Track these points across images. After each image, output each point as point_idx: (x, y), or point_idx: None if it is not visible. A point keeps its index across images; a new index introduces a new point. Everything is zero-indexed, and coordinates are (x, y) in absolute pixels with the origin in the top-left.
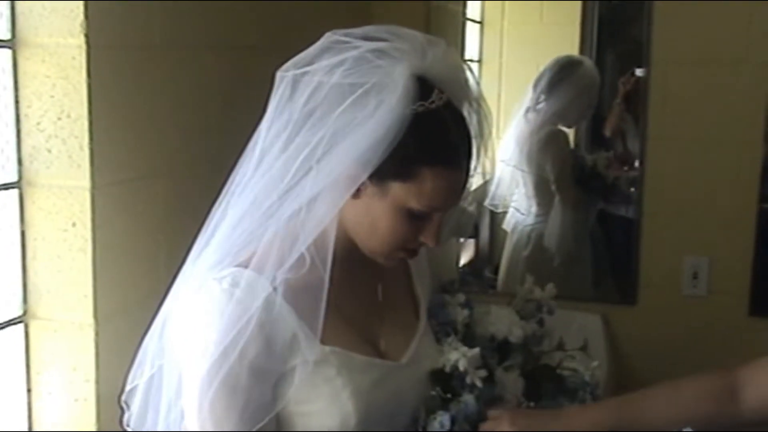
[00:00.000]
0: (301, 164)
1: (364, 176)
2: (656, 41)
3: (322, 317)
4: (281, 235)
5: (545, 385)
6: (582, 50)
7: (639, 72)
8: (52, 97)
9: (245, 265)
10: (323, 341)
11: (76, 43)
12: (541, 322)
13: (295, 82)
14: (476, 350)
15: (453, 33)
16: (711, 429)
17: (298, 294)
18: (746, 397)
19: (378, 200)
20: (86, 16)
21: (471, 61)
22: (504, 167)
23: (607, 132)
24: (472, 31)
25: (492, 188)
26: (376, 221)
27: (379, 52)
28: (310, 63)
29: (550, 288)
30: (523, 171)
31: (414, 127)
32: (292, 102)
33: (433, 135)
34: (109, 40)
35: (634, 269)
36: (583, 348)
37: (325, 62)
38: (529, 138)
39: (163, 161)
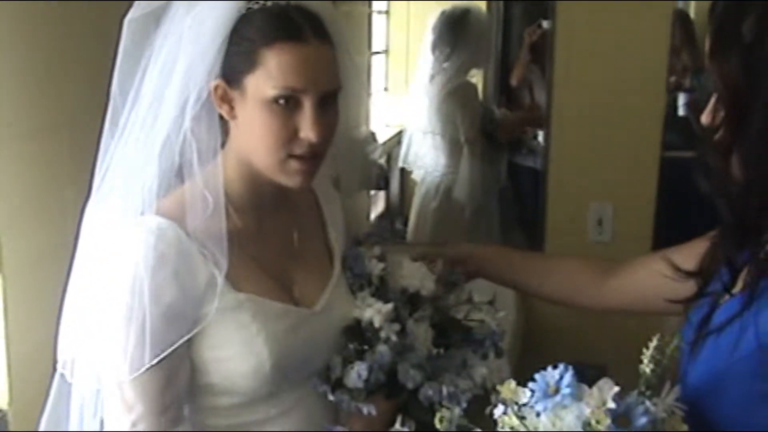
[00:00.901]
0: (162, 93)
1: (224, 85)
2: None
3: (226, 262)
4: (189, 182)
5: (453, 336)
6: (488, 2)
7: (545, 23)
8: None
9: (157, 212)
10: (238, 288)
11: None
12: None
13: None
14: (389, 306)
15: None
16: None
17: (209, 239)
18: (617, 277)
19: (244, 106)
20: None
21: (378, 12)
22: (413, 133)
23: (514, 82)
24: None
25: (403, 150)
26: (252, 131)
27: None
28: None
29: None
30: (432, 133)
31: (249, 20)
32: (141, 39)
33: (267, 19)
34: None
35: (541, 218)
36: (491, 302)
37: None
38: (438, 92)
39: (65, 112)
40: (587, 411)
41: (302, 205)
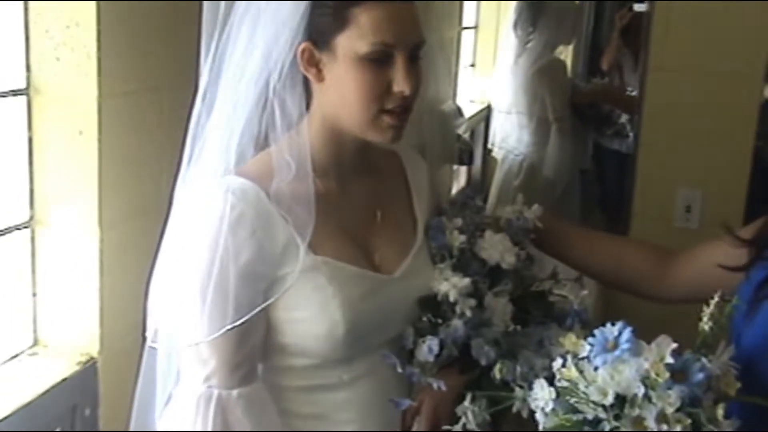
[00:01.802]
0: (256, 62)
1: (312, 47)
2: None
3: (312, 225)
4: (273, 147)
5: (534, 312)
6: None
7: (637, 7)
8: (61, 3)
9: (240, 174)
10: (316, 251)
11: None
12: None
13: None
14: (466, 280)
15: None
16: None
17: (292, 203)
18: (679, 267)
19: (335, 66)
20: None
21: None
22: (497, 114)
23: (604, 65)
24: None
25: (490, 131)
26: (343, 89)
27: None
28: None
29: (536, 208)
30: (517, 112)
31: None
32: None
33: None
34: None
35: (627, 200)
36: (578, 279)
37: None
38: (525, 70)
39: (168, 73)
40: (646, 365)
41: (387, 171)
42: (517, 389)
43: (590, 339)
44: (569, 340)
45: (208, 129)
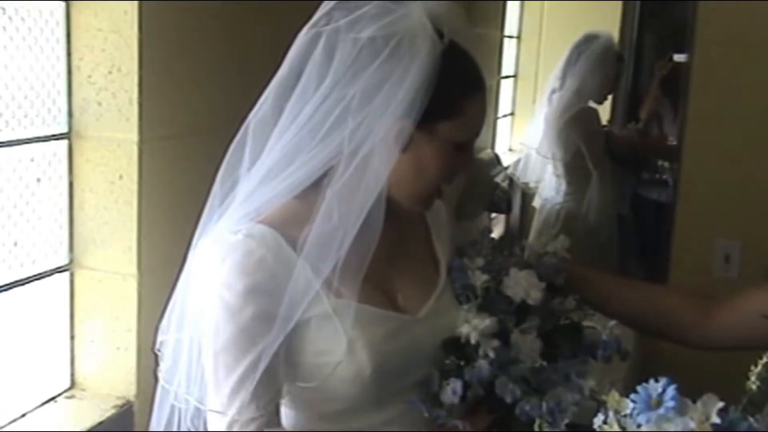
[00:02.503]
0: (336, 119)
1: (411, 126)
2: (700, 22)
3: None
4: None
5: (562, 346)
6: (623, 29)
7: (677, 57)
8: (104, 50)
9: (262, 221)
10: (339, 294)
11: None
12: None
13: (328, 40)
14: (487, 321)
15: (494, 8)
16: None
17: (313, 247)
18: (719, 315)
19: (426, 145)
20: None
21: (510, 37)
22: (533, 157)
23: (643, 114)
24: (512, 7)
25: (520, 167)
26: (425, 166)
27: (390, 2)
28: (326, 23)
29: (562, 239)
30: (553, 159)
31: (446, 70)
32: (325, 58)
33: (461, 65)
34: None
35: (665, 250)
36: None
37: (344, 19)
38: (557, 119)
39: (208, 117)
40: (691, 424)
41: (405, 212)
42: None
43: (633, 396)
44: (612, 397)
45: (248, 176)
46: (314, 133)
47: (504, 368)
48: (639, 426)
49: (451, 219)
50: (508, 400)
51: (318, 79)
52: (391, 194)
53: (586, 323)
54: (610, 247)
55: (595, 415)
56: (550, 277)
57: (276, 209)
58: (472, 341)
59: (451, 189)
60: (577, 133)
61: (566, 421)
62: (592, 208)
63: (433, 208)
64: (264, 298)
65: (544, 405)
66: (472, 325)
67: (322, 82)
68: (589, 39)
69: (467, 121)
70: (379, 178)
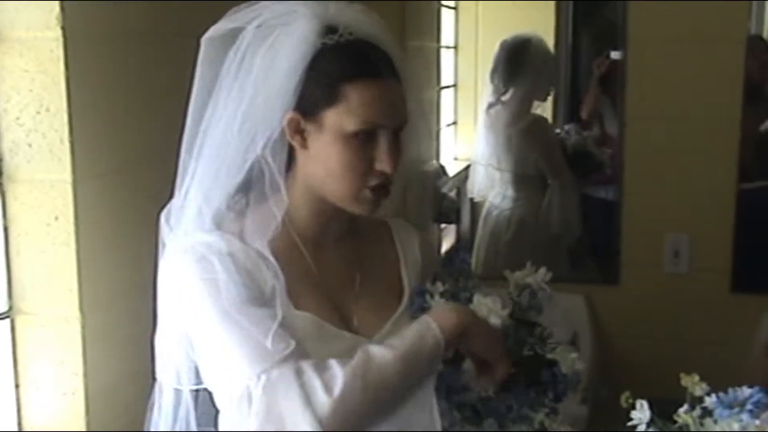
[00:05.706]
0: (242, 119)
1: (299, 117)
2: (632, 21)
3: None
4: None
5: (520, 378)
6: (557, 32)
7: (614, 54)
8: (31, 91)
9: (227, 231)
10: (297, 305)
11: (53, 35)
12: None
13: (223, 41)
14: None
15: (428, 19)
16: None
17: (277, 254)
18: None
19: (320, 138)
20: (62, 8)
21: (447, 47)
22: (479, 166)
23: (584, 114)
24: (447, 17)
25: (469, 182)
26: (328, 162)
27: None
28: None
29: (543, 272)
30: (500, 170)
31: (327, 56)
32: (220, 61)
33: (347, 55)
34: (85, 32)
35: (616, 249)
36: (573, 342)
37: (241, 15)
38: (504, 131)
39: (143, 152)
40: (757, 422)
41: (372, 237)
42: None
43: (721, 395)
44: (691, 379)
45: (195, 182)
46: (231, 147)
47: (450, 395)
48: (715, 421)
49: (427, 247)
50: (446, 425)
51: (209, 85)
52: (324, 196)
53: (549, 356)
54: (558, 251)
55: None
56: (524, 313)
57: (230, 222)
58: None
59: (400, 201)
60: (531, 145)
61: None
62: (554, 217)
63: (402, 232)
64: (246, 287)
65: None
66: None
67: (227, 101)
68: (522, 44)
69: (353, 109)
70: (282, 175)
